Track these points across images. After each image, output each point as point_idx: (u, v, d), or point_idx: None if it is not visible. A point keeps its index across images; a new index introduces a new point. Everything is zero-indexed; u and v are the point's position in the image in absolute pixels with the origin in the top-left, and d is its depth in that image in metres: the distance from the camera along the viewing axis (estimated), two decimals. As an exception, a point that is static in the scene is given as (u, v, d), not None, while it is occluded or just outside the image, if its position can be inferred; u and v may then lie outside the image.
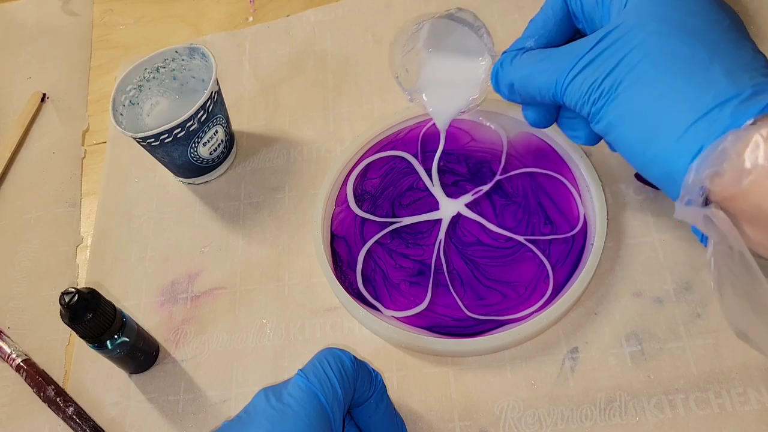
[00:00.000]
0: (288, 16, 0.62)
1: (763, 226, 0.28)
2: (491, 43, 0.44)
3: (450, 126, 0.50)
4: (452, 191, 0.47)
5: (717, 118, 0.28)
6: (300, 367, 0.33)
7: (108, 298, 0.41)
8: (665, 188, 0.32)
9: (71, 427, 0.43)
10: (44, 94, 0.62)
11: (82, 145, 0.58)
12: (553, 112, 0.40)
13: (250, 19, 0.63)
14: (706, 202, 0.29)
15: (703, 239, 0.37)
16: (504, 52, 0.40)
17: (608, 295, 0.42)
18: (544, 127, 0.41)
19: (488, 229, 0.45)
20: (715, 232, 0.29)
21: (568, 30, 0.39)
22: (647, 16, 0.32)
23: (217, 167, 0.53)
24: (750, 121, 0.27)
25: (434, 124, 0.50)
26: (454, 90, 0.46)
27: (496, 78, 0.40)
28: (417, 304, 0.43)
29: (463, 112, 0.46)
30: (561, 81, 0.35)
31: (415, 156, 0.50)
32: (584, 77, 0.33)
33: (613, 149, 0.35)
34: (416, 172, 0.49)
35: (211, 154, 0.51)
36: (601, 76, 0.33)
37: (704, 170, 0.28)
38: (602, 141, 0.37)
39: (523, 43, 0.39)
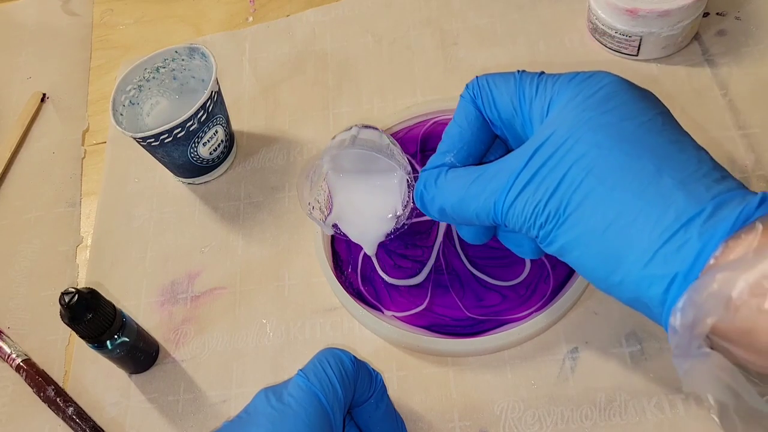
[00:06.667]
0: (288, 16, 0.62)
1: (756, 351, 0.25)
2: (401, 157, 0.41)
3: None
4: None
5: (685, 242, 0.26)
6: (300, 367, 0.33)
7: (108, 298, 0.41)
8: (636, 308, 0.30)
9: (71, 427, 0.43)
10: (44, 94, 0.62)
11: (82, 145, 0.59)
12: (492, 228, 0.38)
13: (250, 19, 0.63)
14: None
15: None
16: (423, 170, 0.36)
17: (608, 295, 0.42)
18: (485, 242, 0.39)
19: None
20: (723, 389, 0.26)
21: (487, 138, 0.36)
22: (578, 124, 0.30)
23: (217, 167, 0.53)
24: (721, 248, 0.25)
25: (433, 123, 0.51)
26: (374, 214, 0.43)
27: (422, 201, 0.36)
28: (417, 305, 0.43)
29: (390, 234, 0.44)
30: (500, 206, 0.32)
31: (414, 156, 0.50)
32: (525, 200, 0.30)
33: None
34: (416, 171, 0.49)
35: (211, 154, 0.51)
36: (544, 197, 0.30)
37: (698, 313, 0.26)
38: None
39: (442, 159, 0.36)
